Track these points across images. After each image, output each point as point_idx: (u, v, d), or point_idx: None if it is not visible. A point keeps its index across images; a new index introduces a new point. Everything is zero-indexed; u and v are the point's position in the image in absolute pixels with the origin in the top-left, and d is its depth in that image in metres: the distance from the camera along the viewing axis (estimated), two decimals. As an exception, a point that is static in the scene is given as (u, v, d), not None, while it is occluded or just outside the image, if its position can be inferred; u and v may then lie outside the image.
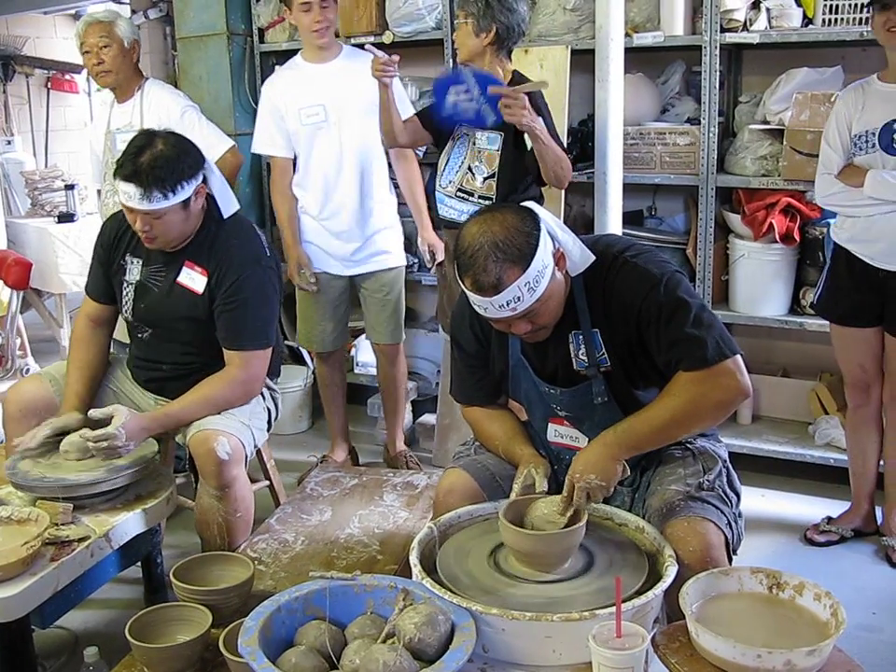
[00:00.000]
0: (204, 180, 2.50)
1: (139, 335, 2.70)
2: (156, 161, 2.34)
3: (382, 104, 3.00)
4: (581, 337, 1.98)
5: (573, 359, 2.01)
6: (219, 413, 2.51)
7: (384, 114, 3.03)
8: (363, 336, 4.02)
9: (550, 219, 1.94)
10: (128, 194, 2.37)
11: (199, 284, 2.54)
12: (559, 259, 1.89)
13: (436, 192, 3.17)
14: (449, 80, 2.93)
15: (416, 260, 4.01)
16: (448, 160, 3.10)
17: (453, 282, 2.29)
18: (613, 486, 1.89)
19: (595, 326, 1.96)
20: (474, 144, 3.02)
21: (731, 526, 1.92)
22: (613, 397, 1.99)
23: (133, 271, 2.62)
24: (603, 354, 1.98)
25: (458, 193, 3.07)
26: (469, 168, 3.03)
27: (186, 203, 2.43)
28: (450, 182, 3.09)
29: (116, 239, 2.66)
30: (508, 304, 1.81)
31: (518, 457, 2.06)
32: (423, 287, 4.28)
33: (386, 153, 3.46)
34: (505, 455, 2.10)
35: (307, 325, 3.61)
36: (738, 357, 1.87)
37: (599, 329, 1.96)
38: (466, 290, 1.87)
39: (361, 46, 3.42)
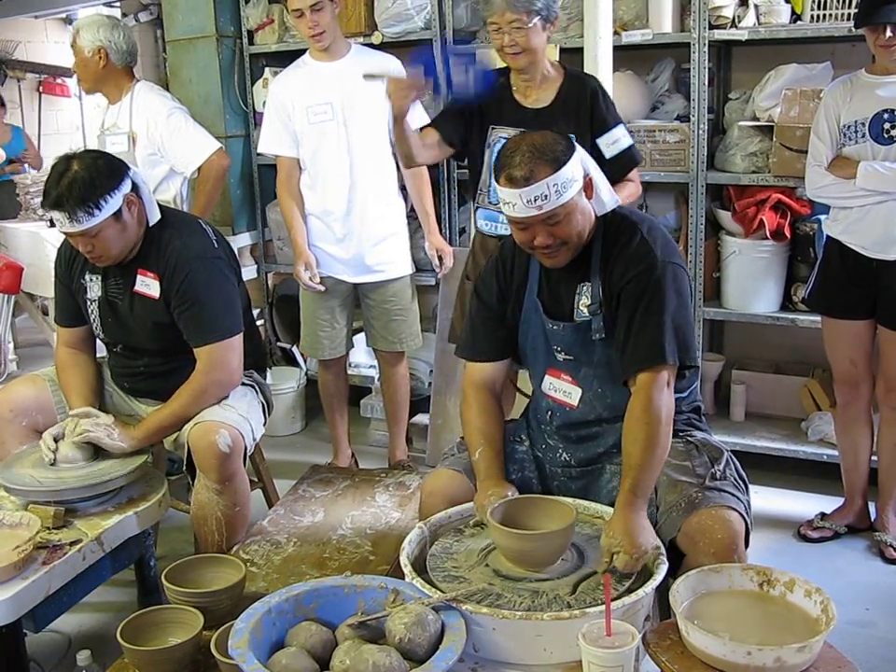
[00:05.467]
0: (136, 189, 2.49)
1: (114, 349, 2.72)
2: (72, 184, 2.36)
3: (397, 131, 2.71)
4: (586, 287, 2.07)
5: (574, 310, 2.09)
6: (218, 405, 2.52)
7: (400, 140, 2.76)
8: (355, 337, 4.00)
9: (586, 155, 2.08)
10: (59, 221, 2.41)
11: (154, 289, 2.55)
12: (588, 185, 2.02)
13: (481, 210, 2.94)
14: (430, 72, 2.61)
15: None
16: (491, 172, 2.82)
17: (472, 296, 2.30)
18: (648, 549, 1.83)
19: (600, 276, 2.06)
20: None
21: (748, 513, 1.95)
22: (609, 336, 2.05)
23: (94, 288, 2.63)
24: (600, 302, 2.06)
25: None
26: None
27: (117, 215, 2.43)
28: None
29: (72, 260, 2.66)
30: (535, 200, 1.94)
31: (478, 478, 2.08)
32: (418, 288, 4.26)
33: (394, 155, 3.36)
34: (473, 462, 2.12)
35: (311, 331, 3.54)
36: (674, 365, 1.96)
37: (602, 280, 2.06)
38: (499, 188, 2.00)
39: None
